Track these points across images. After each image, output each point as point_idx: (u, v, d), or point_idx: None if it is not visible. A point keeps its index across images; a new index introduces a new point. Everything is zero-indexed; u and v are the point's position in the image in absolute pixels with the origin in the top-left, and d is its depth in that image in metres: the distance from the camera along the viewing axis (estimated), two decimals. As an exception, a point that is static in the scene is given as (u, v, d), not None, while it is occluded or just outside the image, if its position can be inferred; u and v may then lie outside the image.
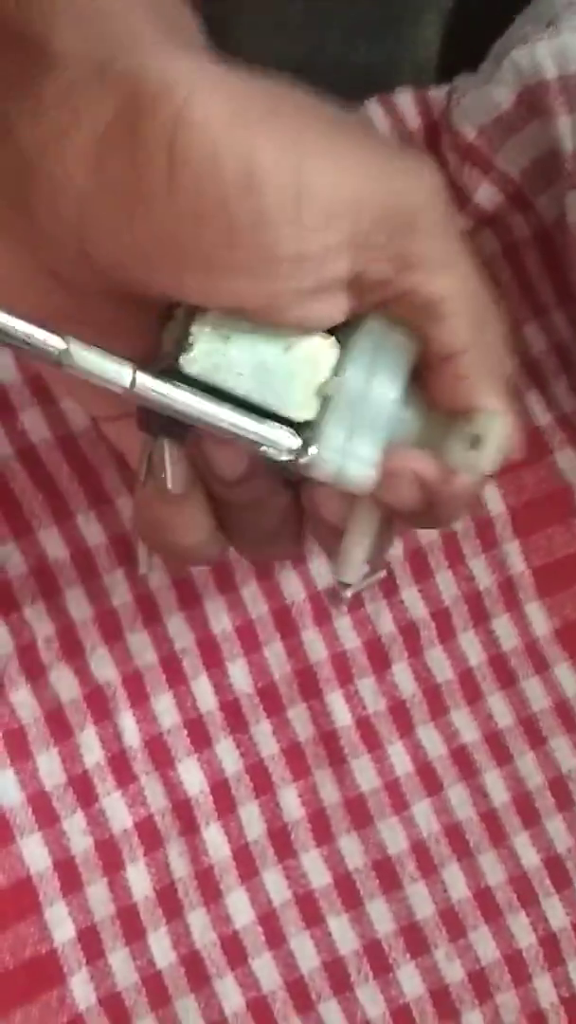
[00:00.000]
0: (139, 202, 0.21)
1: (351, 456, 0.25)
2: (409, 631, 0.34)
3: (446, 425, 0.25)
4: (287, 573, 0.33)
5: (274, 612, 0.33)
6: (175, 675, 0.33)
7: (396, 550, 0.34)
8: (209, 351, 0.23)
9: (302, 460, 0.24)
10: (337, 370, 0.24)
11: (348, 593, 0.34)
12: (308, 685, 0.33)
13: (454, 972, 0.32)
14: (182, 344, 0.23)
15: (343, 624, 0.34)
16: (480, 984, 0.32)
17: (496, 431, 0.24)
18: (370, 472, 0.25)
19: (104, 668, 0.32)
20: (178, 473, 0.26)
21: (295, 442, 0.24)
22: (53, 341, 0.22)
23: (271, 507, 0.27)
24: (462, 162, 0.32)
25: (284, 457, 0.24)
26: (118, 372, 0.23)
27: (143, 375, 0.23)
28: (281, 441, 0.24)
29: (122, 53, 0.22)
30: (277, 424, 0.24)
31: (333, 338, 0.24)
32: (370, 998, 0.32)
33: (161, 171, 0.21)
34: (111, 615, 0.33)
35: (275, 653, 0.33)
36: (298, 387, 0.24)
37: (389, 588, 0.34)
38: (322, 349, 0.24)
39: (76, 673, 0.32)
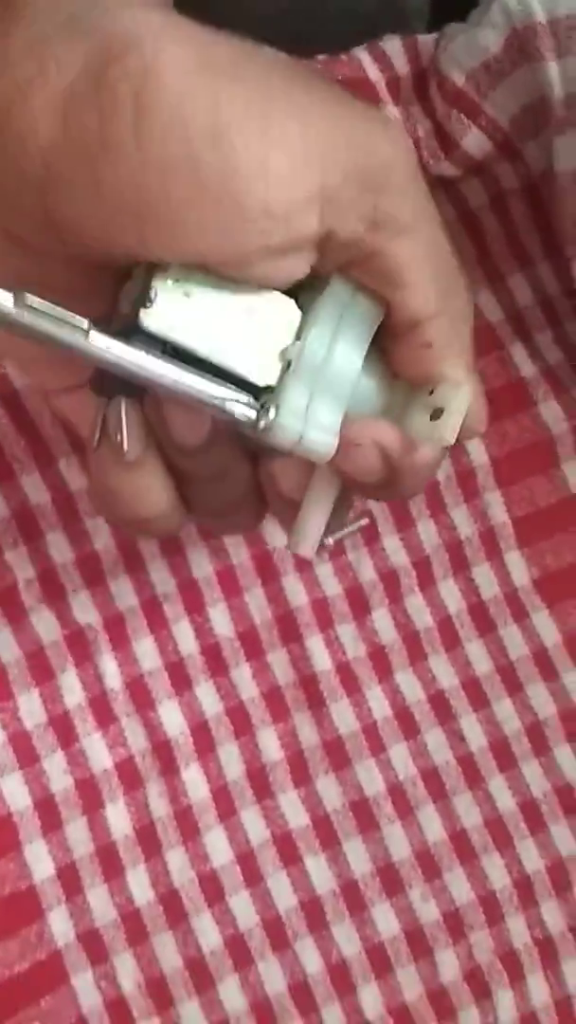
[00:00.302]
0: (106, 153, 0.21)
1: (312, 423, 0.23)
2: (390, 578, 0.34)
3: (407, 394, 0.25)
4: (269, 520, 0.34)
5: (256, 558, 0.34)
6: (156, 619, 0.33)
7: (378, 499, 0.34)
8: (170, 307, 0.22)
9: (261, 426, 0.23)
10: (299, 335, 0.24)
11: (330, 540, 0.34)
12: (289, 630, 0.33)
13: (429, 912, 0.33)
14: (142, 299, 0.22)
15: (324, 571, 0.34)
16: (454, 924, 0.33)
17: (459, 402, 0.24)
18: (331, 440, 0.24)
19: (86, 611, 0.33)
20: (134, 435, 0.25)
21: (254, 406, 0.23)
22: (2, 297, 0.21)
23: (232, 478, 0.26)
24: (449, 108, 0.32)
25: (242, 422, 0.23)
26: (72, 330, 0.22)
27: (98, 334, 0.22)
28: (239, 405, 0.23)
29: (91, 8, 0.22)
30: (236, 388, 0.23)
31: (295, 301, 0.23)
32: (346, 937, 0.32)
33: (128, 122, 0.21)
34: (93, 559, 0.33)
35: (256, 598, 0.33)
36: (260, 350, 0.23)
37: (371, 536, 0.34)
38: (286, 312, 0.23)
39: (57, 616, 0.32)
